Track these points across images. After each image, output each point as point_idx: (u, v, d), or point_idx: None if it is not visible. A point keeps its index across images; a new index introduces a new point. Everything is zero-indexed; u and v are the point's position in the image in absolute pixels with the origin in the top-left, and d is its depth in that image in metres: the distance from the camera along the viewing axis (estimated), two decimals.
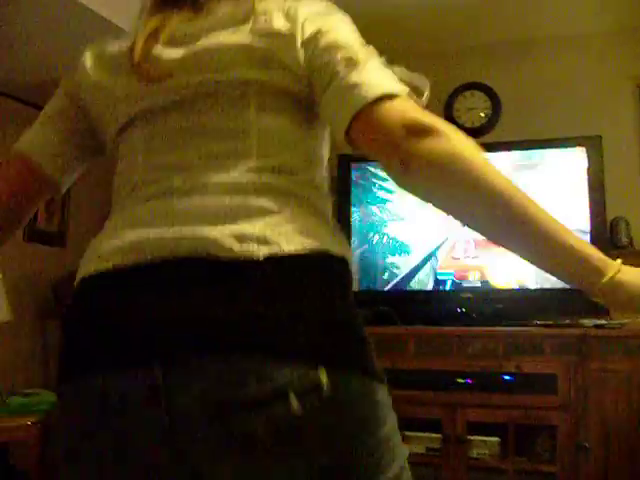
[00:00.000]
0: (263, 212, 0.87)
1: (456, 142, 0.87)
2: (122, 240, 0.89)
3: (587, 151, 3.13)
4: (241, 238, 0.84)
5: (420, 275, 3.27)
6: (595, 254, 0.87)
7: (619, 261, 0.88)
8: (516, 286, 3.16)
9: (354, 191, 3.39)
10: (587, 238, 3.05)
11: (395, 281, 3.30)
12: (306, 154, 0.99)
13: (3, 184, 1.12)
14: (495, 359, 2.92)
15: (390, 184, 3.33)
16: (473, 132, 3.53)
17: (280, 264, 0.84)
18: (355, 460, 0.83)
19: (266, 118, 0.96)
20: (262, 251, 0.83)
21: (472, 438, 2.93)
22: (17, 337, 3.88)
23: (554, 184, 3.15)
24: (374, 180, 3.38)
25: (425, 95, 1.01)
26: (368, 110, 0.89)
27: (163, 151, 0.97)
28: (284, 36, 0.96)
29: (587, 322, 2.92)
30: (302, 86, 0.97)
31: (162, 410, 0.80)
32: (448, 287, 3.25)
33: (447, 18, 3.23)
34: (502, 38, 3.51)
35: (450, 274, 3.26)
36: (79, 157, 1.14)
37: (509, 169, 3.24)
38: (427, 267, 3.28)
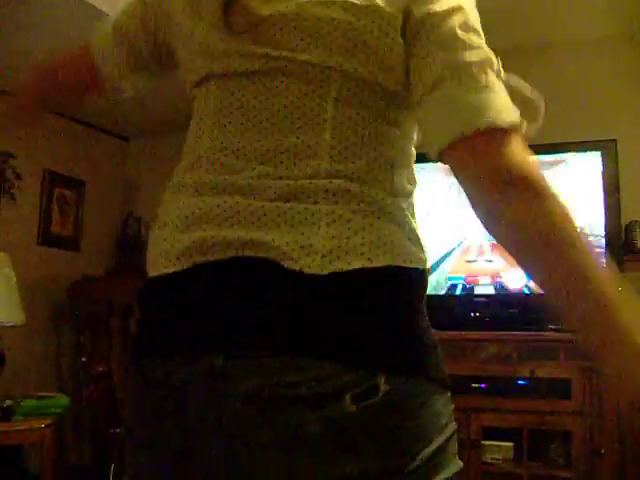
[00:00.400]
0: (333, 221, 0.83)
1: (547, 208, 0.81)
2: (189, 238, 0.87)
3: (602, 155, 3.12)
4: (307, 250, 0.81)
5: (433, 279, 3.26)
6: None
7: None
8: (529, 291, 3.14)
9: None
10: (602, 242, 3.03)
11: None
12: (388, 155, 0.91)
13: (70, 71, 1.24)
14: (509, 364, 2.91)
15: None
16: None
17: (344, 280, 0.81)
18: (405, 467, 0.81)
19: (346, 111, 0.88)
20: (326, 268, 0.81)
21: (486, 443, 2.92)
22: (30, 340, 3.90)
23: (569, 188, 3.13)
24: None
25: (540, 114, 0.94)
26: (475, 139, 0.83)
27: (231, 130, 0.91)
28: (384, 16, 0.87)
29: None
30: (395, 78, 0.90)
31: (220, 396, 0.81)
32: (458, 291, 3.24)
33: None
34: (517, 42, 3.50)
35: (461, 278, 3.24)
36: (142, 73, 1.18)
37: None
38: (439, 271, 3.26)
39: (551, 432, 2.89)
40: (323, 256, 0.81)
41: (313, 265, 0.80)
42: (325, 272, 0.80)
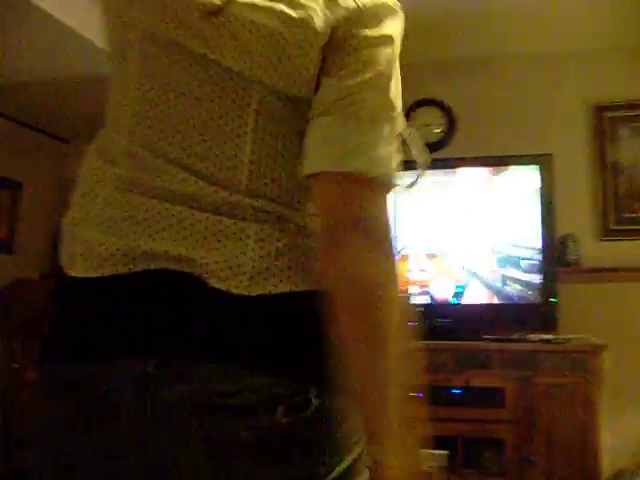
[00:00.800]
0: (261, 239, 0.83)
1: (376, 273, 0.82)
2: (114, 244, 0.84)
3: (539, 169, 3.19)
4: (235, 270, 0.81)
5: None
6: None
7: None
8: (462, 302, 3.19)
9: None
10: (538, 255, 3.10)
11: None
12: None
13: None
14: (444, 373, 2.95)
15: None
16: (428, 148, 3.56)
17: (270, 301, 0.82)
18: (328, 477, 0.83)
19: (266, 126, 0.86)
20: (254, 290, 0.81)
21: (421, 451, 2.94)
22: None
23: (506, 201, 3.20)
24: None
25: (421, 176, 0.95)
26: (340, 179, 0.82)
27: (151, 123, 0.88)
28: (316, 32, 0.85)
29: (535, 337, 2.97)
30: (309, 90, 0.87)
31: (149, 402, 0.80)
32: None
33: (404, 33, 3.25)
34: (458, 55, 3.56)
35: None
36: None
37: (462, 185, 3.29)
38: None
39: (485, 440, 2.93)
40: (251, 277, 0.81)
41: (241, 286, 0.81)
42: (253, 294, 0.81)
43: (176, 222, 0.84)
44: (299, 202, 0.88)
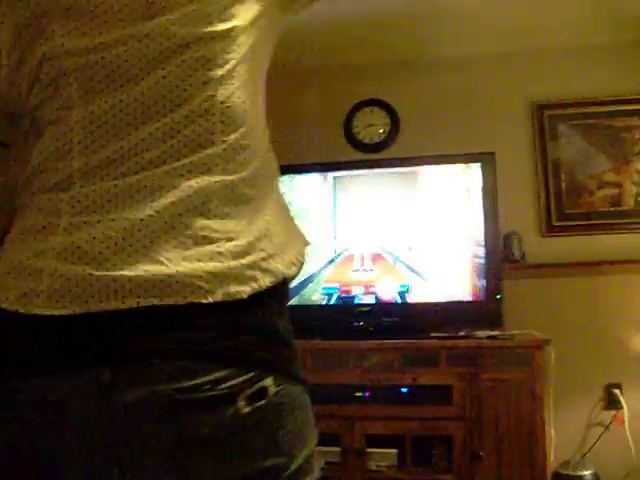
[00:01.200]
0: (229, 240, 0.84)
1: None
2: (59, 278, 0.81)
3: (482, 167, 3.23)
4: (201, 281, 0.81)
5: (312, 289, 3.28)
6: None
7: None
8: (407, 300, 3.21)
9: None
10: (483, 252, 3.13)
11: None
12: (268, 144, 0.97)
13: None
14: (392, 372, 2.96)
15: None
16: (372, 148, 3.59)
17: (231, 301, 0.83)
18: (290, 466, 0.85)
19: (231, 94, 0.88)
20: (216, 296, 0.81)
21: (371, 450, 2.95)
22: None
23: (450, 199, 3.23)
24: None
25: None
26: None
27: (101, 135, 0.86)
28: None
29: (481, 334, 3.00)
30: None
31: (107, 409, 0.79)
32: (334, 301, 3.27)
33: (349, 34, 3.28)
34: (402, 56, 3.58)
35: (335, 288, 3.28)
36: None
37: (407, 184, 3.31)
38: (316, 281, 3.30)
39: (434, 437, 2.95)
40: (220, 282, 0.82)
41: (207, 295, 0.81)
42: (218, 299, 0.82)
43: (142, 236, 0.83)
44: (273, 175, 0.96)
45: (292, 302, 3.27)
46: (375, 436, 2.96)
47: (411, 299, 3.20)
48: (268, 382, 0.83)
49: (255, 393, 0.82)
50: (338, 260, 3.29)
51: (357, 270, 3.27)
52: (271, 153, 0.97)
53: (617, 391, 3.22)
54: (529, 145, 3.52)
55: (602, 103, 3.55)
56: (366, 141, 3.58)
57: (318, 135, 3.56)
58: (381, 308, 3.22)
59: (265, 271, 0.86)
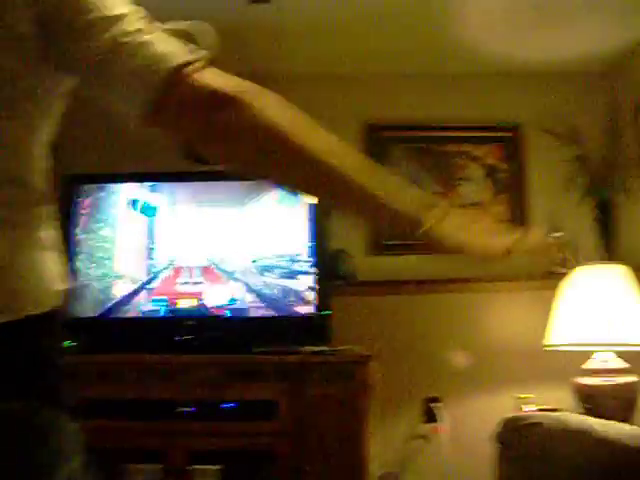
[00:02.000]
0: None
1: (256, 112, 0.87)
2: None
3: None
4: None
5: (136, 301, 3.21)
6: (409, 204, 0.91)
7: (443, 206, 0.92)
8: (236, 314, 3.20)
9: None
10: (312, 269, 3.18)
11: (108, 307, 3.21)
12: (33, 157, 0.90)
13: None
14: (217, 387, 2.93)
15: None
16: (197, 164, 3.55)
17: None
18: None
19: None
20: None
21: (194, 468, 2.90)
22: None
23: (279, 215, 3.26)
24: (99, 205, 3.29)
25: (210, 44, 0.98)
26: (173, 86, 0.84)
27: None
28: None
29: (307, 349, 3.03)
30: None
31: None
32: (162, 313, 3.22)
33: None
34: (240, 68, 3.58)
35: (164, 300, 3.23)
36: None
37: (233, 197, 3.29)
38: (144, 293, 3.23)
39: (258, 453, 2.95)
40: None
41: None
42: None
43: None
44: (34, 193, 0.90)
45: (118, 314, 3.18)
46: (199, 453, 2.91)
47: (239, 313, 3.19)
48: (15, 407, 0.79)
49: (4, 419, 0.78)
50: (167, 272, 3.23)
51: (186, 283, 3.23)
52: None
53: (436, 405, 3.36)
54: None
55: (434, 128, 3.73)
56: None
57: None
58: (209, 322, 3.19)
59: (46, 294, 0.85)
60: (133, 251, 3.24)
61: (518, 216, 3.67)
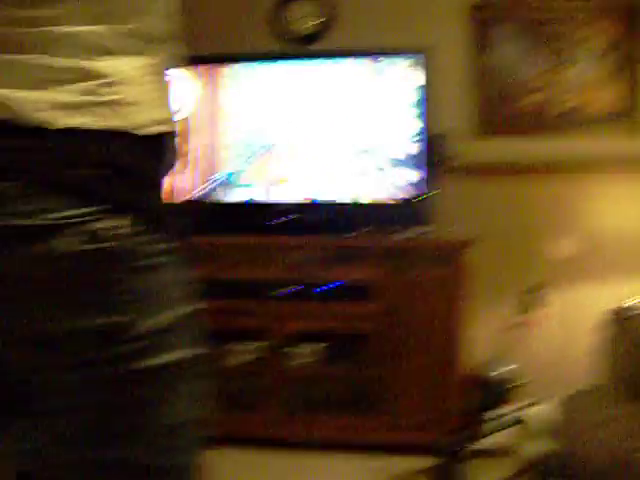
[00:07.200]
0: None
1: None
2: None
3: (417, 64, 3.12)
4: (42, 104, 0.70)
5: (231, 186, 3.21)
6: None
7: None
8: (337, 198, 3.16)
9: None
10: (415, 152, 3.07)
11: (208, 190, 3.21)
12: None
13: None
14: (313, 269, 2.93)
15: None
16: (306, 39, 3.44)
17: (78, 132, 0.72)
18: (125, 333, 0.71)
19: None
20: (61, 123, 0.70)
21: (292, 348, 2.95)
22: None
23: (384, 94, 3.14)
24: None
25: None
26: None
27: None
28: None
29: (406, 233, 2.97)
30: None
31: None
32: (258, 198, 3.20)
33: None
34: None
35: (253, 186, 3.21)
36: None
37: (340, 77, 3.19)
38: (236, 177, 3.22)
39: (355, 335, 2.95)
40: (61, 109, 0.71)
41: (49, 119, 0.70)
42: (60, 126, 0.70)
43: None
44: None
45: (212, 199, 3.19)
46: (297, 333, 2.95)
47: (337, 198, 3.14)
48: (107, 223, 0.71)
49: (87, 232, 0.70)
50: (258, 157, 3.19)
51: (286, 167, 3.18)
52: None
53: (539, 292, 3.26)
54: (466, 44, 3.42)
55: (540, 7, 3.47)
56: (296, 33, 3.42)
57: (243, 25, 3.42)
58: (311, 206, 3.16)
59: (116, 113, 0.75)
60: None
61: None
